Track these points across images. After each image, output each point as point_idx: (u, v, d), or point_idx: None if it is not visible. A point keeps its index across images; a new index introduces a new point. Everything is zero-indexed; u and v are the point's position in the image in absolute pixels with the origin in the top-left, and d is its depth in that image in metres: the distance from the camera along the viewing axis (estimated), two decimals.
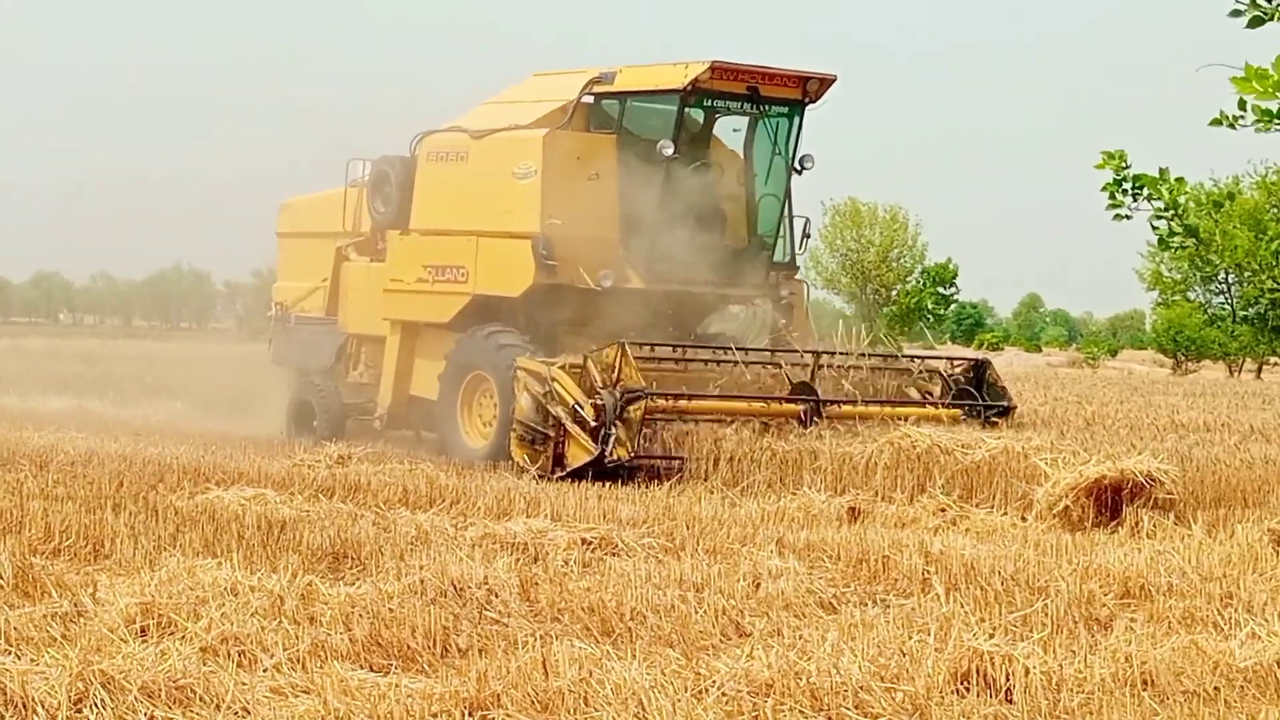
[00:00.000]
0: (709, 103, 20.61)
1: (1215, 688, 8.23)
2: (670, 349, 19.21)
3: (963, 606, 9.86)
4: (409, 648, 8.80)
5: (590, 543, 12.17)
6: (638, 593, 10.10)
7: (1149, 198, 6.54)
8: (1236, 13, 6.35)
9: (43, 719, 7.29)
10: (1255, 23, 6.33)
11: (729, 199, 21.24)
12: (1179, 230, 6.58)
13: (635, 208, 20.40)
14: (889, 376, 20.07)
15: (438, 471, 17.38)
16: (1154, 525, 14.19)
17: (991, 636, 8.59)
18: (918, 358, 20.98)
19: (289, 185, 26.19)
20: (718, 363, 19.12)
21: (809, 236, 22.17)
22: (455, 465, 18.57)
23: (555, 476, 17.58)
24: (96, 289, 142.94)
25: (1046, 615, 9.78)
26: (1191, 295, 77.27)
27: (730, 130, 21.32)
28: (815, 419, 18.33)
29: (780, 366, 19.15)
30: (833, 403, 18.69)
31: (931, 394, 20.07)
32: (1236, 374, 74.76)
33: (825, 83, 20.64)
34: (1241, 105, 6.09)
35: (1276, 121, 6.06)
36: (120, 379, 34.27)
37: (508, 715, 7.55)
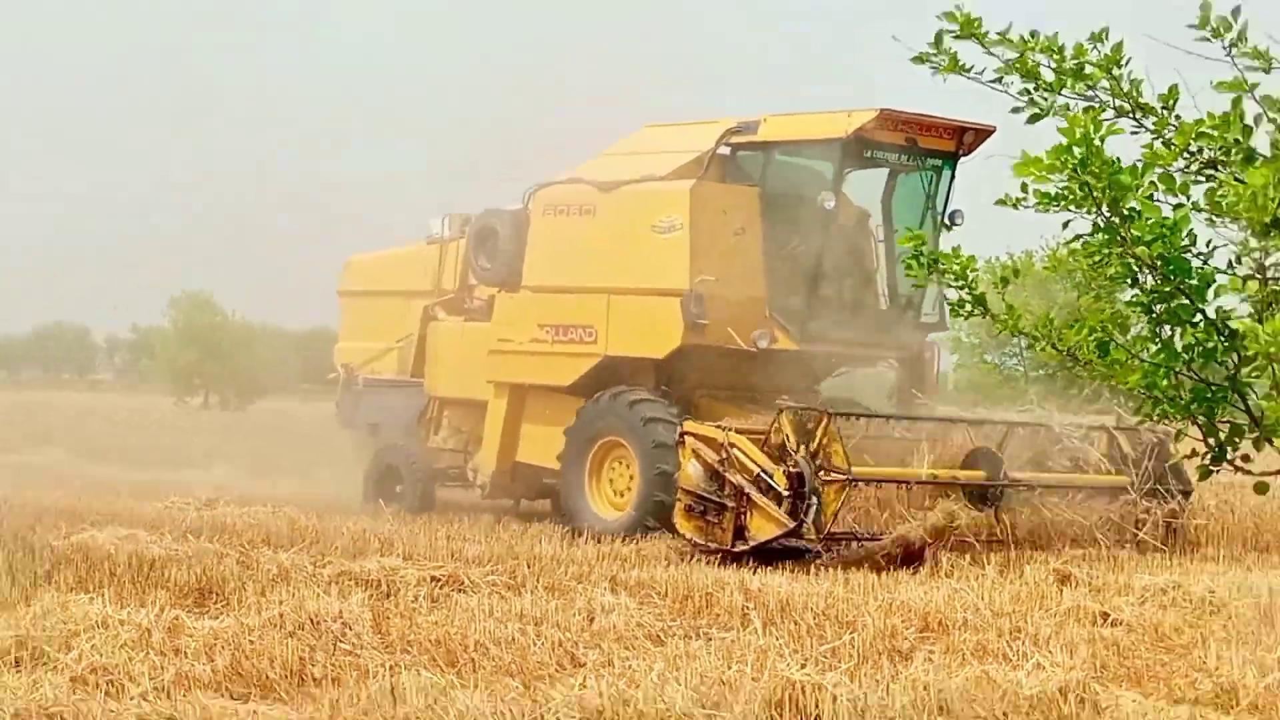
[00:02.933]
0: (868, 154, 17.92)
1: (1004, 713, 8.33)
2: (867, 416, 16.42)
3: (778, 639, 9.91)
4: (267, 678, 8.70)
5: (439, 580, 12.09)
6: (481, 626, 10.06)
7: (942, 271, 6.78)
8: (1017, 109, 6.63)
9: None
10: (1034, 119, 6.62)
11: (870, 256, 18.77)
12: (969, 300, 6.80)
13: (783, 264, 18.00)
14: (1039, 443, 16.71)
15: (298, 513, 17.17)
16: (952, 565, 14.34)
17: (804, 667, 8.64)
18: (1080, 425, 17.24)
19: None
20: (924, 421, 16.39)
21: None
22: (315, 508, 18.25)
23: (736, 550, 14.83)
24: None
25: (853, 647, 9.84)
26: (989, 357, 78.32)
27: (854, 183, 18.62)
28: (999, 498, 15.53)
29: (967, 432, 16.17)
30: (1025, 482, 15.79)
31: (1089, 463, 16.59)
32: None
33: (981, 134, 18.09)
34: (1023, 189, 6.37)
35: (1054, 204, 6.32)
36: (1, 427, 33.66)
37: None
